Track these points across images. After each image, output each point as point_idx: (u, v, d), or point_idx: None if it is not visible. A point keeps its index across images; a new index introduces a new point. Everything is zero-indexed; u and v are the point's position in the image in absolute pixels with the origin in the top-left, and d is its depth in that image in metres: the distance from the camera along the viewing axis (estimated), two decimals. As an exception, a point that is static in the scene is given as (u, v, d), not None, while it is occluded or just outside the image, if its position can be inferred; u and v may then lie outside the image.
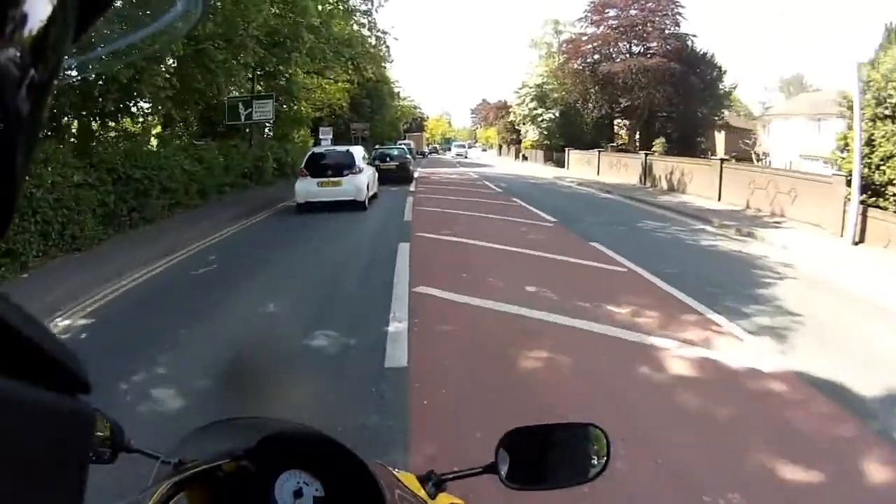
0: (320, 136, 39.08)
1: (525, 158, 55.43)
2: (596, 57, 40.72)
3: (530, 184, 27.19)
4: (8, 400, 0.30)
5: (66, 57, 0.38)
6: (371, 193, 18.06)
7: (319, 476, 1.17)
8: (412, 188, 24.02)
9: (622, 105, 41.50)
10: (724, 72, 40.86)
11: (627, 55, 40.24)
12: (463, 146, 71.93)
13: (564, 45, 45.37)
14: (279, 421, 1.37)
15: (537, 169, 40.51)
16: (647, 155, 26.96)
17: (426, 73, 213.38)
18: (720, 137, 44.18)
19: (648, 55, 38.71)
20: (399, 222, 15.01)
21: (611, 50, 41.44)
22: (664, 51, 38.40)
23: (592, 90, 41.37)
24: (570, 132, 46.23)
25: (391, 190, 22.44)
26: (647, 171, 26.03)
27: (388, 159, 26.33)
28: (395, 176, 25.09)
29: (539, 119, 46.46)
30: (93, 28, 0.40)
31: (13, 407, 0.31)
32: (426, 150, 78.11)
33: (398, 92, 58.17)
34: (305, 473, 1.18)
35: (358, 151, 17.94)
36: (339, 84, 30.50)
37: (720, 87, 40.81)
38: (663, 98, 38.64)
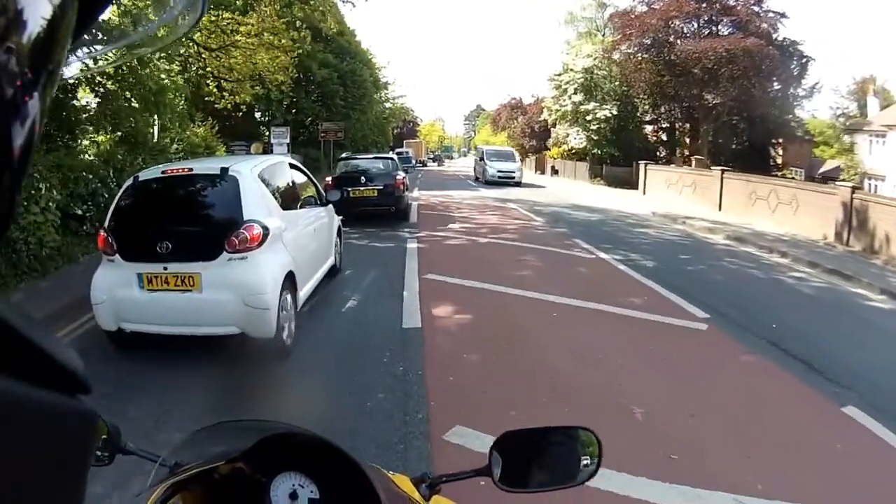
0: (272, 140, 27.62)
1: (556, 172, 43.20)
2: (660, 36, 31.06)
3: (663, 240, 14.16)
4: (8, 400, 0.31)
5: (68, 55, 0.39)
6: (310, 288, 7.20)
7: (315, 478, 1.21)
8: (410, 236, 12.75)
9: (704, 102, 30.88)
10: (811, 62, 31.70)
11: (700, 34, 31.17)
12: (508, 156, 35.44)
13: (616, 19, 33.67)
14: (276, 423, 1.40)
15: (595, 192, 28.60)
16: (853, 189, 14.83)
17: (418, 77, 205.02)
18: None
19: (736, 35, 29.48)
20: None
21: (682, 26, 31.68)
22: (758, 31, 29.76)
23: (664, 79, 30.38)
24: (623, 139, 34.68)
25: (370, 243, 12.09)
26: (850, 215, 14.04)
27: (362, 180, 14.98)
28: (375, 209, 15.00)
29: (589, 118, 34.21)
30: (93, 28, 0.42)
31: (14, 407, 0.32)
32: (427, 158, 72.61)
33: (385, 81, 45.98)
34: (301, 475, 1.21)
35: (258, 170, 6.40)
36: (274, 39, 18.53)
37: (802, 84, 32.02)
38: (760, 94, 30.02)
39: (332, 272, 8.49)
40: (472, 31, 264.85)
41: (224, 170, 5.78)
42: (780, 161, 35.25)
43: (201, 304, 5.44)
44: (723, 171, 21.34)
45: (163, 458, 1.28)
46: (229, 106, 21.33)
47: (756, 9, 30.33)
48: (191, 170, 6.05)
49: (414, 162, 52.54)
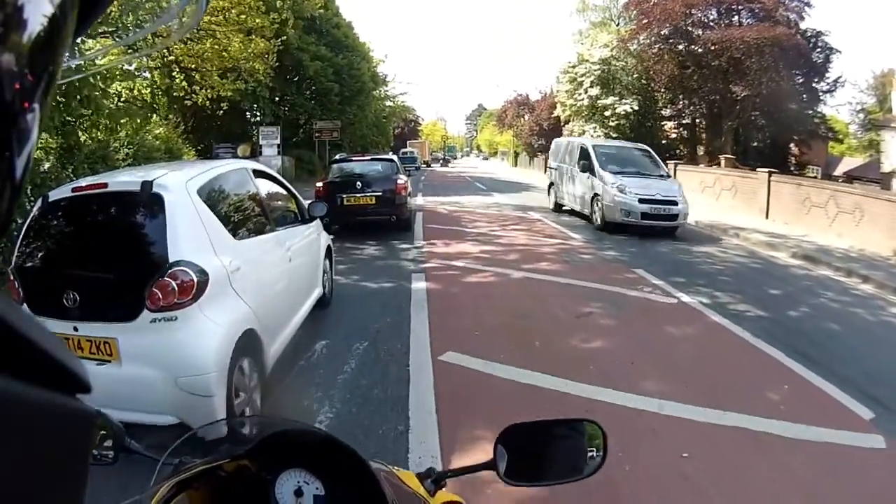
0: (261, 142, 25.19)
1: (566, 173, 40.48)
2: (682, 25, 29.07)
3: (733, 264, 11.12)
4: (8, 400, 0.31)
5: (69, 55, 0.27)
6: (287, 337, 5.28)
7: (320, 475, 1.20)
8: (415, 267, 9.62)
9: (732, 95, 28.44)
10: (835, 54, 29.54)
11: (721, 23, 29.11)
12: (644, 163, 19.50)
13: (632, 7, 31.28)
14: (280, 420, 1.48)
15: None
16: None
17: (418, 76, 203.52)
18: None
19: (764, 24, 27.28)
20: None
21: (705, 14, 29.51)
22: (782, 21, 27.84)
23: (688, 71, 27.84)
24: (643, 135, 32.19)
25: (359, 281, 8.97)
26: None
27: (358, 186, 13.02)
28: (373, 220, 13.14)
29: (608, 113, 31.54)
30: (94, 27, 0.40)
31: (14, 407, 0.32)
32: (430, 158, 71.35)
33: (385, 77, 43.30)
34: (306, 472, 1.19)
35: (198, 183, 4.46)
36: (245, 18, 16.00)
37: (825, 78, 29.83)
38: (788, 87, 28.02)
39: (321, 302, 6.73)
40: (472, 30, 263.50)
41: (146, 185, 4.01)
42: (800, 159, 33.08)
43: (122, 381, 3.77)
44: (770, 174, 18.64)
45: (166, 457, 1.27)
46: (207, 102, 18.84)
47: None
48: (105, 185, 4.22)
49: (419, 162, 50.55)
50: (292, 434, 1.29)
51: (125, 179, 4.45)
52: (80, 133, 10.90)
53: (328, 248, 7.38)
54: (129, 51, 13.31)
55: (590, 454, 1.37)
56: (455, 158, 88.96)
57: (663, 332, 6.51)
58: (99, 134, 12.17)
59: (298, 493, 1.18)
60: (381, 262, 9.93)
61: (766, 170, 19.34)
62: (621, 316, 6.98)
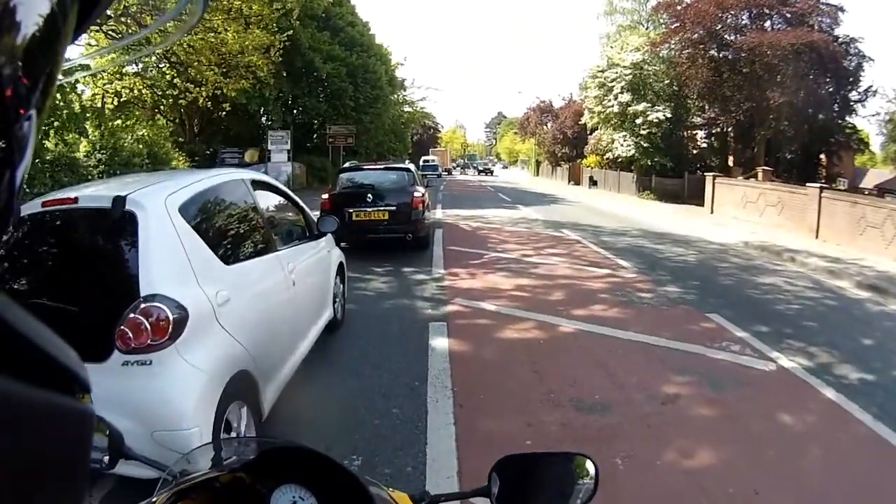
0: (269, 147, 23.94)
1: (594, 183, 38.70)
2: (716, 28, 27.81)
3: (807, 300, 9.25)
4: (8, 400, 0.31)
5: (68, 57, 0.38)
6: (287, 375, 4.60)
7: (314, 491, 1.20)
8: (433, 311, 7.82)
9: (769, 102, 26.93)
10: (868, 62, 28.15)
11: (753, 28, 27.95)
12: None
13: (662, 10, 29.77)
14: (278, 440, 1.60)
15: (653, 211, 23.93)
16: None
17: (438, 82, 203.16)
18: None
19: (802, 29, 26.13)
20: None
21: (739, 18, 28.43)
22: (818, 25, 27.17)
23: (723, 77, 26.27)
24: (674, 145, 30.67)
25: (376, 301, 8.42)
26: None
27: (369, 199, 11.64)
28: (384, 237, 11.71)
29: (639, 121, 29.68)
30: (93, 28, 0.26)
31: (14, 407, 0.32)
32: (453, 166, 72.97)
33: (403, 81, 41.70)
34: (301, 488, 1.20)
35: (181, 198, 3.82)
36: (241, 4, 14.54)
37: (857, 86, 28.38)
38: (825, 95, 27.36)
39: (330, 326, 6.19)
40: (493, 36, 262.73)
41: (118, 202, 3.41)
42: (828, 171, 31.37)
43: None
44: (821, 189, 17.30)
45: (170, 469, 1.33)
46: (207, 103, 17.38)
47: (812, 2, 26.88)
48: (75, 200, 3.59)
49: (440, 170, 50.06)
50: (289, 451, 1.30)
51: (99, 194, 3.77)
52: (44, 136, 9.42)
53: (340, 264, 6.83)
54: (126, 51, 11.96)
55: (579, 486, 1.38)
56: (489, 172, 74.50)
57: (777, 427, 4.64)
58: (68, 136, 10.67)
59: None
60: (390, 304, 8.09)
61: (818, 185, 18.02)
62: (718, 398, 5.09)
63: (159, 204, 3.54)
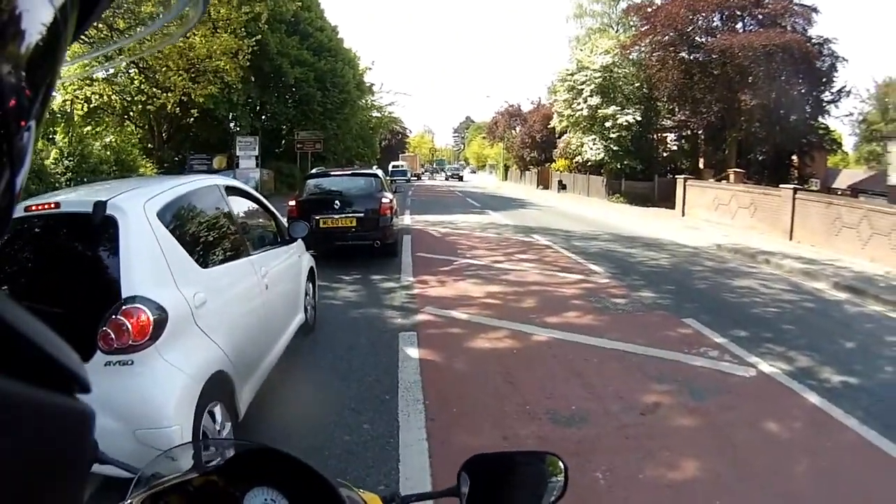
0: (237, 153, 23.62)
1: (563, 187, 38.68)
2: (687, 30, 27.56)
3: (784, 303, 9.20)
4: (8, 399, 0.32)
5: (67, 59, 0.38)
6: (262, 376, 4.77)
7: (286, 494, 1.19)
8: (403, 321, 7.59)
9: (740, 104, 27.14)
10: (841, 63, 27.67)
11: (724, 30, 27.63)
12: None
13: (633, 13, 29.87)
14: (251, 442, 1.47)
15: (624, 214, 23.86)
16: None
17: (405, 86, 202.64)
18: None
19: (774, 30, 25.85)
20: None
21: (710, 20, 28.01)
22: (791, 26, 26.83)
23: (694, 79, 26.99)
24: (644, 148, 30.80)
25: (344, 311, 8.22)
26: None
27: (336, 205, 11.51)
28: (352, 244, 11.56)
29: (608, 124, 29.68)
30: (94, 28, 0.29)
31: (14, 406, 0.32)
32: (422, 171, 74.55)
33: (371, 86, 41.40)
34: (273, 490, 1.19)
35: (159, 203, 4.01)
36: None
37: (830, 87, 28.17)
38: (798, 96, 26.82)
39: (302, 329, 6.21)
40: (460, 40, 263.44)
41: (99, 207, 3.53)
42: (800, 172, 31.68)
43: None
44: (795, 191, 17.35)
45: (142, 471, 1.30)
46: (176, 109, 17.04)
47: (785, 3, 26.71)
48: (57, 205, 3.71)
49: (409, 175, 51.69)
50: (261, 454, 1.28)
51: (80, 199, 3.91)
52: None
53: (311, 269, 6.95)
54: (102, 59, 11.73)
55: (550, 485, 1.38)
56: (457, 177, 70.25)
57: (762, 435, 4.48)
58: (37, 144, 10.36)
59: None
60: (358, 313, 7.86)
61: (791, 186, 18.04)
62: (699, 407, 4.93)
63: (139, 209, 3.66)
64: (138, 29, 12.44)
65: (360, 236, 11.37)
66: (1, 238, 0.36)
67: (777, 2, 26.54)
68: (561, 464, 1.39)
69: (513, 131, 53.50)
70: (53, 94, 0.35)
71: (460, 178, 68.37)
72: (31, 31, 0.30)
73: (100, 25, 13.15)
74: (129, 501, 1.20)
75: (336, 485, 1.19)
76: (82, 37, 13.41)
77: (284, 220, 6.39)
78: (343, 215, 11.31)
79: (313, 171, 14.65)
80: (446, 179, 68.61)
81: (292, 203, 11.54)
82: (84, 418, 0.38)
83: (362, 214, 11.33)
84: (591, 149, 30.79)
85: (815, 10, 27.17)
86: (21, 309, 0.33)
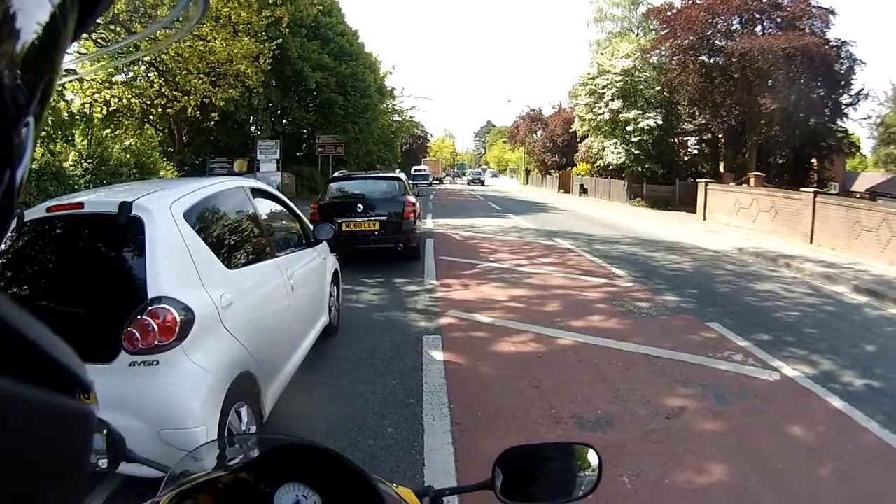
0: (259, 156, 23.82)
1: (584, 191, 38.69)
2: (707, 33, 27.50)
3: (806, 307, 9.17)
4: (8, 399, 0.31)
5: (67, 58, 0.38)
6: (287, 377, 4.78)
7: (318, 489, 1.19)
8: (429, 331, 7.41)
9: (761, 107, 26.72)
10: (859, 66, 27.48)
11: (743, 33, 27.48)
12: None
13: (653, 17, 29.74)
14: (281, 436, 1.55)
15: (645, 218, 23.92)
16: None
17: (427, 91, 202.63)
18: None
19: (794, 33, 25.69)
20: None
21: (729, 23, 27.95)
22: (809, 29, 26.59)
23: (715, 83, 26.48)
24: (665, 152, 30.71)
25: (367, 313, 8.26)
26: None
27: (359, 209, 11.48)
28: (377, 247, 11.61)
29: (630, 128, 29.71)
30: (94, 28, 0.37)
31: (13, 406, 0.32)
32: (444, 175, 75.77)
33: (392, 90, 41.54)
34: (305, 487, 1.19)
35: (185, 205, 3.98)
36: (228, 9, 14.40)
37: (849, 90, 27.88)
38: (818, 100, 26.95)
39: (327, 331, 6.30)
40: (481, 45, 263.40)
41: (125, 207, 3.53)
42: (819, 176, 31.35)
43: None
44: (815, 194, 17.14)
45: (171, 469, 1.32)
46: (197, 112, 17.28)
47: (803, 5, 26.57)
48: (81, 206, 3.73)
49: (431, 179, 52.72)
50: (292, 449, 1.28)
51: (104, 200, 3.91)
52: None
53: (335, 272, 6.96)
54: (114, 57, 11.94)
55: (581, 477, 1.38)
56: (479, 181, 68.12)
57: (786, 439, 4.51)
58: (55, 147, 10.55)
59: None
60: (382, 316, 7.90)
61: (811, 189, 17.83)
62: (723, 411, 4.97)
63: (165, 209, 3.64)
64: (147, 26, 12.62)
65: (383, 239, 11.37)
66: (4, 235, 0.35)
67: (795, 4, 26.40)
68: (595, 455, 1.40)
69: (534, 135, 53.49)
70: (54, 93, 0.36)
71: (481, 183, 66.14)
72: (28, 29, 0.31)
73: (117, 29, 13.39)
74: (158, 499, 1.20)
75: (370, 478, 1.19)
76: (101, 40, 13.71)
77: (309, 223, 6.39)
78: (366, 218, 11.32)
79: (336, 174, 14.68)
80: (468, 184, 65.87)
81: (314, 206, 11.56)
82: (84, 419, 0.38)
83: (385, 218, 11.33)
84: (613, 152, 30.80)
85: (832, 12, 27.04)
86: (21, 309, 0.33)
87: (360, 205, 11.45)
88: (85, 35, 11.85)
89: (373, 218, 11.33)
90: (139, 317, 3.27)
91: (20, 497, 0.31)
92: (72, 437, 0.36)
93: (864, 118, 52.02)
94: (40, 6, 0.31)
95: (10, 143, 0.31)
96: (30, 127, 0.33)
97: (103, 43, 13.32)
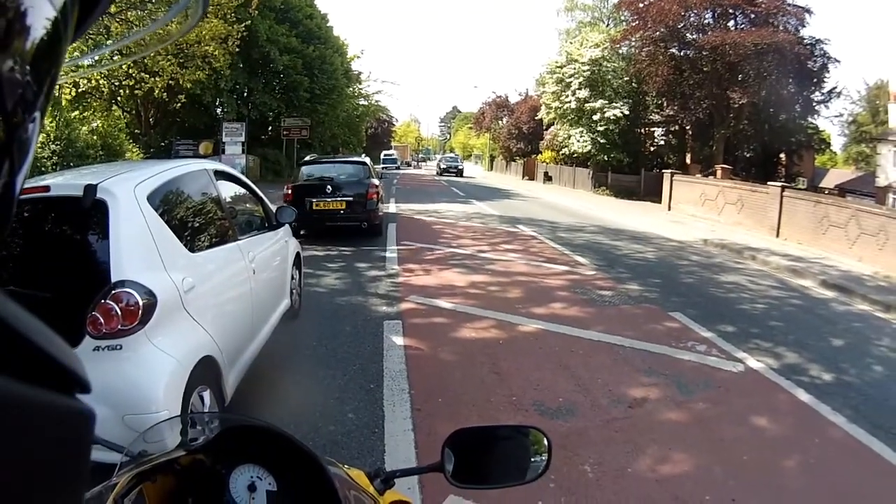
0: (223, 139, 23.57)
1: (549, 178, 38.74)
2: (679, 26, 27.65)
3: (771, 299, 9.27)
4: (7, 399, 0.31)
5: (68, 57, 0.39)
6: (248, 360, 4.69)
7: (273, 471, 1.19)
8: (389, 309, 7.43)
9: (729, 101, 27.16)
10: (833, 63, 27.91)
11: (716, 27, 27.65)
12: None
13: (625, 8, 29.73)
14: (236, 417, 1.58)
15: (610, 207, 24.07)
16: None
17: (392, 76, 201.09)
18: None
19: (767, 29, 25.74)
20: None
21: (702, 17, 28.16)
22: (783, 25, 26.84)
23: (684, 75, 26.60)
24: (631, 142, 30.86)
25: (329, 298, 8.02)
26: None
27: (328, 190, 12.70)
28: (341, 224, 12.80)
29: (596, 118, 29.74)
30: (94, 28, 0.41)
31: (12, 406, 0.32)
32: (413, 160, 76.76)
33: (359, 74, 41.00)
34: (259, 468, 1.19)
35: (149, 187, 3.94)
36: None
37: (821, 88, 28.31)
38: (788, 96, 27.06)
39: (287, 315, 6.14)
40: (448, 30, 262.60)
41: (89, 190, 3.46)
42: (788, 171, 31.85)
43: None
44: (783, 188, 17.36)
45: (127, 449, 1.33)
46: (164, 94, 16.93)
47: (779, 2, 26.73)
48: (47, 189, 3.62)
49: (399, 163, 55.91)
50: (247, 430, 1.27)
51: (70, 182, 3.79)
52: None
53: (297, 255, 6.95)
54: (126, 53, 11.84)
55: (534, 460, 1.39)
56: (455, 171, 51.45)
57: (750, 431, 4.48)
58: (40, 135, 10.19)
59: (252, 487, 1.17)
60: (343, 301, 7.72)
61: (779, 184, 17.98)
62: (687, 401, 4.90)
63: (129, 192, 3.61)
64: (139, 27, 12.51)
65: (350, 217, 12.51)
66: (5, 229, 0.34)
67: (770, 1, 26.46)
68: (545, 439, 1.42)
69: (500, 122, 53.37)
70: (55, 87, 0.35)
71: (459, 174, 51.25)
72: (37, 25, 0.30)
73: (117, 28, 13.20)
74: (115, 480, 1.18)
75: (322, 460, 1.19)
76: (100, 37, 13.31)
77: (272, 206, 6.29)
78: (334, 199, 12.50)
79: (307, 158, 15.28)
80: (439, 174, 51.13)
81: (287, 189, 12.51)
82: (84, 419, 0.37)
83: (351, 198, 12.50)
84: (578, 141, 30.83)
85: (808, 10, 27.20)
86: (21, 308, 0.32)
87: (329, 186, 12.64)
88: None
89: (340, 198, 12.52)
90: (102, 300, 3.26)
91: (20, 497, 0.31)
92: (72, 437, 0.36)
93: (836, 116, 53.14)
94: (45, 5, 0.31)
95: (16, 138, 0.31)
96: (36, 122, 0.33)
97: (102, 41, 13.25)
